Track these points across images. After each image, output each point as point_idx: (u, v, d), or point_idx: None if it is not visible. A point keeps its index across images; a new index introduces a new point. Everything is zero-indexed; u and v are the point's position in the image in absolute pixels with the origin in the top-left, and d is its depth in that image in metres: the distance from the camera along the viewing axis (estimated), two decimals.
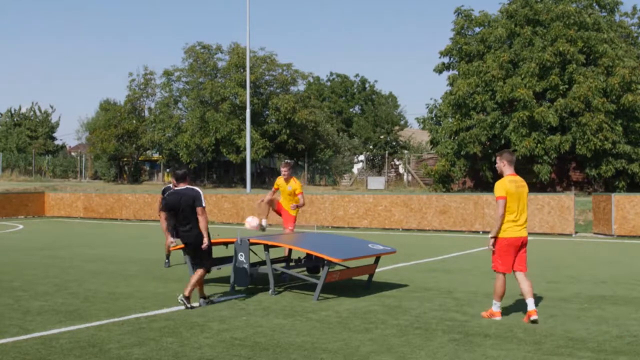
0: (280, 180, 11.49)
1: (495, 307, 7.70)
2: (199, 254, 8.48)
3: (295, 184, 11.35)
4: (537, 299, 8.98)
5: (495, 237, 7.52)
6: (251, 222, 10.69)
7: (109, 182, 46.38)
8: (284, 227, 11.58)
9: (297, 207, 11.36)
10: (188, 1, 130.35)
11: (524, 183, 7.67)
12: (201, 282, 8.48)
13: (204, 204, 8.35)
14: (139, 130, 45.42)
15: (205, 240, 8.37)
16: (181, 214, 8.36)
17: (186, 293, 8.25)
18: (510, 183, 7.46)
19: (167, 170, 47.12)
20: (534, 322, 7.36)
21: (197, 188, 8.50)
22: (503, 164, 7.60)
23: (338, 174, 50.64)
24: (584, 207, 22.25)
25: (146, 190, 32.72)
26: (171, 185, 12.26)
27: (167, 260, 12.43)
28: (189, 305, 8.19)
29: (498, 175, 7.72)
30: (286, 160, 13.17)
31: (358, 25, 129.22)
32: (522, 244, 7.60)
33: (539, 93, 30.41)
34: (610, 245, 16.80)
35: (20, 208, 27.96)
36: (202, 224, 8.34)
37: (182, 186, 8.50)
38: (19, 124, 59.94)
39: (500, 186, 7.47)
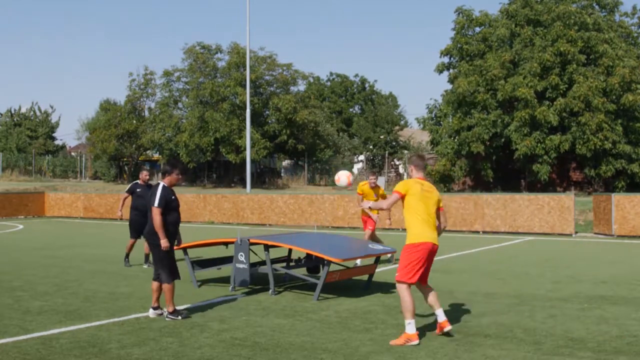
0: (365, 187, 12.53)
1: (410, 328, 6.54)
2: (154, 257, 7.87)
3: (381, 190, 12.67)
4: (538, 299, 8.98)
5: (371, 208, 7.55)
6: (342, 177, 12.01)
7: (109, 182, 46.35)
8: (364, 229, 12.86)
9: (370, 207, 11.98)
10: (188, 1, 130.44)
11: (433, 189, 7.20)
12: (160, 292, 7.86)
13: (155, 204, 7.65)
14: (139, 130, 45.39)
15: (163, 242, 7.62)
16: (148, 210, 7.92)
17: (170, 310, 7.70)
18: (415, 184, 7.06)
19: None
20: (448, 334, 6.80)
21: (160, 184, 7.83)
22: (411, 169, 7.31)
23: None
24: (584, 207, 22.24)
25: None
26: (139, 181, 12.37)
27: (127, 260, 12.60)
28: (179, 317, 7.67)
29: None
30: (373, 170, 14.20)
31: (358, 25, 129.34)
32: (434, 252, 7.05)
33: (539, 92, 30.42)
34: (610, 245, 16.78)
35: (20, 208, 27.98)
36: (155, 224, 7.65)
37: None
38: (19, 124, 59.90)
39: (401, 183, 7.13)
